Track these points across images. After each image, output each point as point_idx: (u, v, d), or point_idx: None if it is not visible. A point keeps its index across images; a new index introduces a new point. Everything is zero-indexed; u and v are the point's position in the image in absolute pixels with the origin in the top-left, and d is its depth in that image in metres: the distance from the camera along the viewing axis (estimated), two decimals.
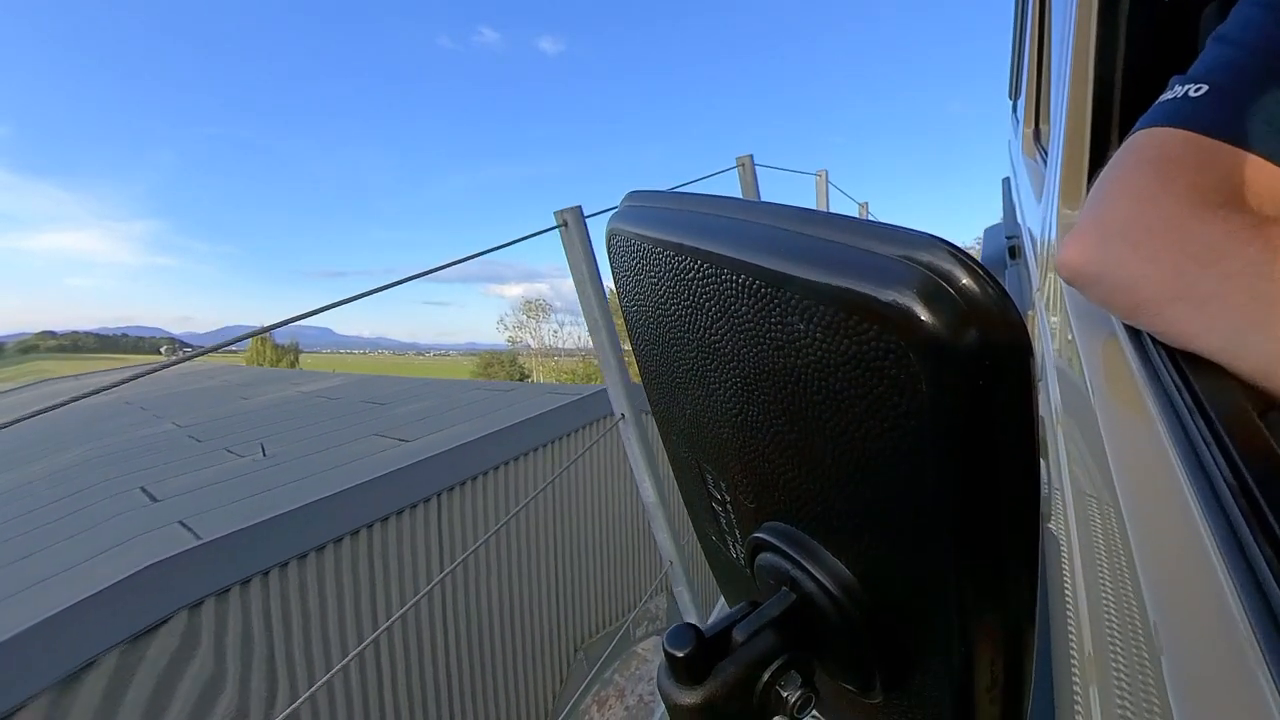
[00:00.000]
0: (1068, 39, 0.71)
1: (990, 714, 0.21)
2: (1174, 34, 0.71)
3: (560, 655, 4.29)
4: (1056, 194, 0.72)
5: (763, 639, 0.23)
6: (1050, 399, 0.57)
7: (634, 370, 0.35)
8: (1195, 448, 0.29)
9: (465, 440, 3.82)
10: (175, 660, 2.41)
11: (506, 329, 40.01)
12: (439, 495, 3.54)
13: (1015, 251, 1.37)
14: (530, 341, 39.62)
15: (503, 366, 38.99)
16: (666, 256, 0.25)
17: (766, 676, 0.22)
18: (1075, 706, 0.31)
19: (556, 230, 1.86)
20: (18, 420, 0.95)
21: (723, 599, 0.40)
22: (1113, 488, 0.33)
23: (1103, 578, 0.32)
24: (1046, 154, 0.93)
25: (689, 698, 0.21)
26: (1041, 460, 0.27)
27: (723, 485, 0.30)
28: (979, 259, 0.15)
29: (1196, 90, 0.43)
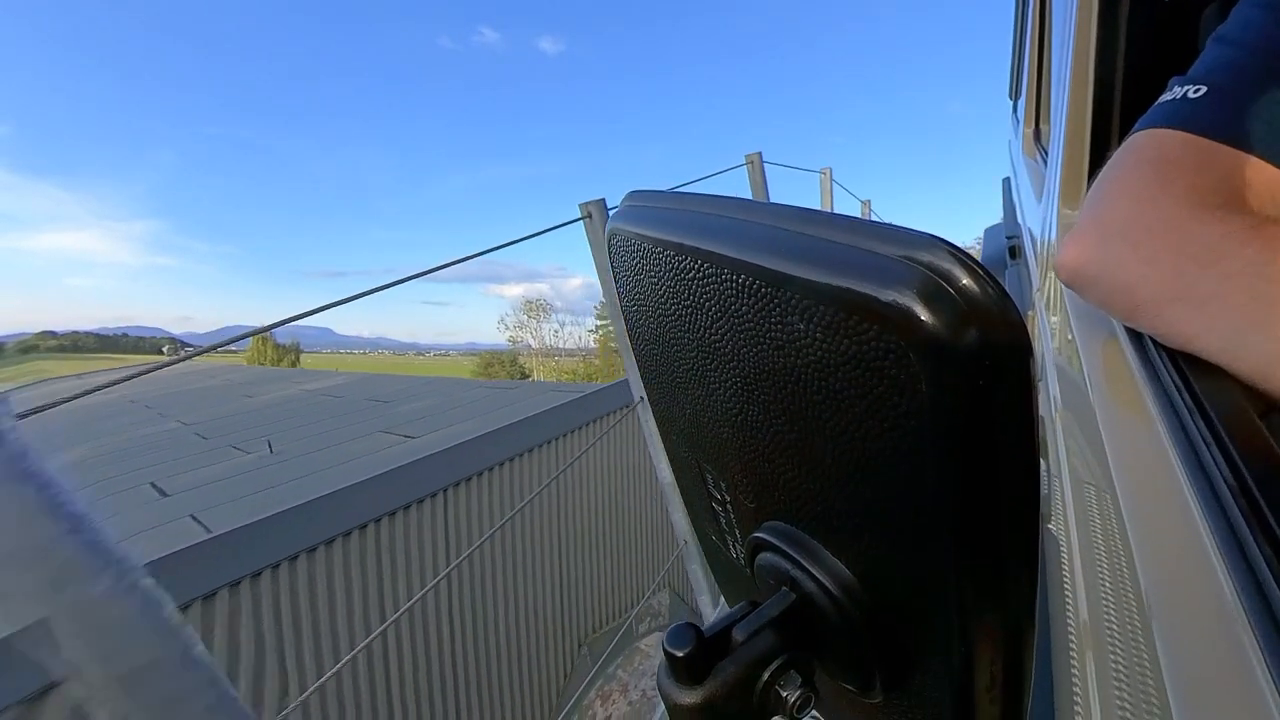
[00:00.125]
0: (1068, 40, 0.71)
1: (990, 714, 0.21)
2: (1174, 34, 0.71)
3: (564, 650, 4.32)
4: (1056, 194, 0.72)
5: (762, 639, 0.23)
6: (1050, 399, 0.57)
7: None
8: (1195, 448, 0.29)
9: (470, 437, 3.85)
10: (207, 641, 2.46)
11: (507, 329, 40.07)
12: (444, 491, 3.57)
13: (1015, 251, 1.37)
14: (531, 341, 39.64)
15: (503, 366, 39.01)
16: (667, 256, 0.25)
17: (766, 676, 0.22)
18: (1075, 706, 0.31)
19: (558, 230, 1.87)
20: (21, 417, 0.95)
21: (723, 598, 0.40)
22: (1113, 488, 0.33)
23: (1103, 578, 0.32)
24: (1047, 154, 0.93)
25: (689, 697, 0.21)
26: (1041, 460, 0.27)
27: (723, 485, 0.30)
28: (979, 259, 0.15)
29: (1196, 91, 0.43)
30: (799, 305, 0.19)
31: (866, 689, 0.24)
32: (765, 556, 0.26)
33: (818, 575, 0.23)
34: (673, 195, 0.27)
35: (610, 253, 0.30)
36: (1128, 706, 0.25)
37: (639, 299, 0.29)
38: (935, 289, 0.15)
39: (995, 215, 2.16)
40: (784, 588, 0.25)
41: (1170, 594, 0.25)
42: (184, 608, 2.44)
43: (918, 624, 0.21)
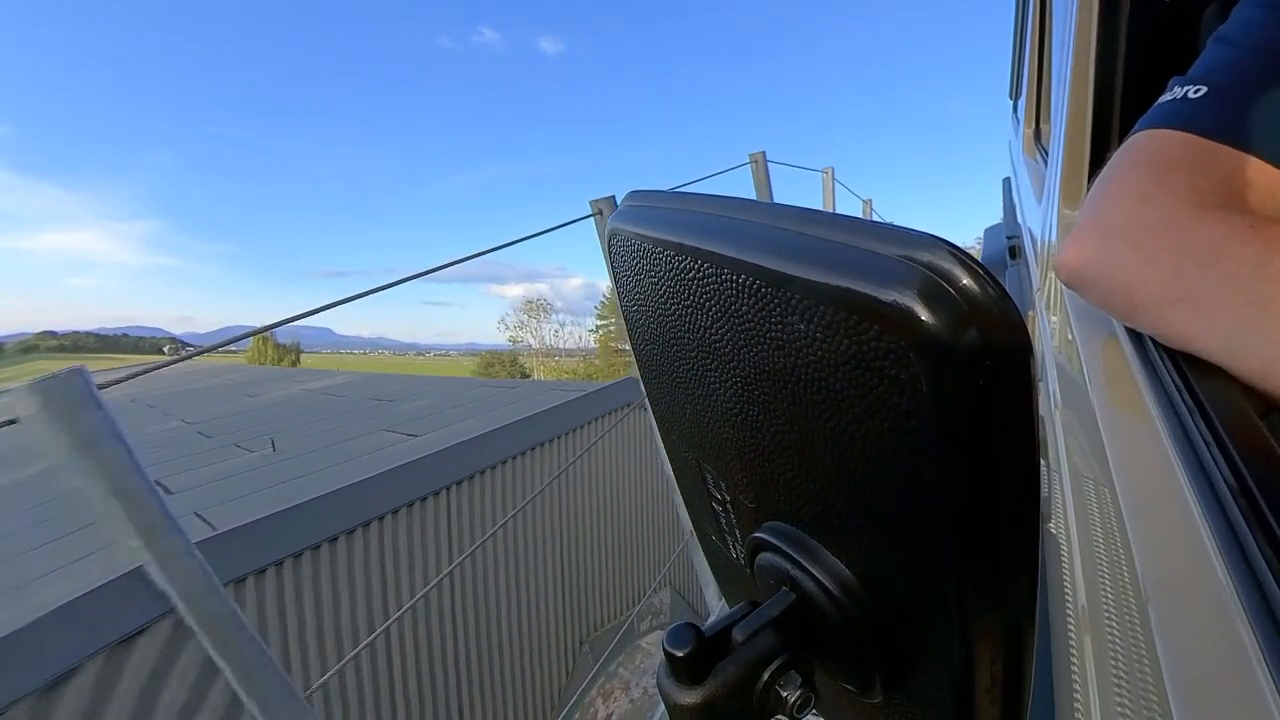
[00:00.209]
0: (1068, 39, 0.71)
1: (990, 714, 0.21)
2: (1174, 34, 0.71)
3: (566, 648, 4.35)
4: (1057, 194, 0.72)
5: (762, 639, 0.23)
6: (1050, 399, 0.57)
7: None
8: (1195, 448, 0.29)
9: (473, 434, 3.86)
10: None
11: (507, 329, 40.10)
12: (447, 489, 3.59)
13: (1015, 252, 1.37)
14: (531, 341, 39.67)
15: (503, 366, 39.03)
16: (667, 256, 0.25)
17: (766, 676, 0.22)
18: (1075, 707, 0.31)
19: (558, 230, 1.87)
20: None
21: (723, 599, 0.40)
22: (1113, 488, 0.33)
23: (1103, 578, 0.32)
24: (1047, 154, 0.93)
25: (689, 697, 0.21)
26: (1042, 460, 0.27)
27: (723, 485, 0.30)
28: (979, 259, 0.15)
29: (1196, 91, 0.43)
30: (799, 305, 0.19)
31: (866, 689, 0.24)
32: (765, 556, 0.26)
33: (818, 575, 0.23)
34: (673, 195, 0.27)
35: (610, 253, 0.30)
36: (1128, 707, 0.25)
37: (639, 299, 0.29)
38: (935, 289, 0.15)
39: (995, 215, 2.16)
40: (784, 588, 0.25)
41: (1170, 594, 0.25)
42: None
43: (918, 624, 0.21)
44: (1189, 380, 0.34)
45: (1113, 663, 0.27)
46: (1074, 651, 0.33)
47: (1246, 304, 0.33)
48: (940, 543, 0.18)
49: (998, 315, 0.16)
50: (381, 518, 3.23)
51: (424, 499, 3.45)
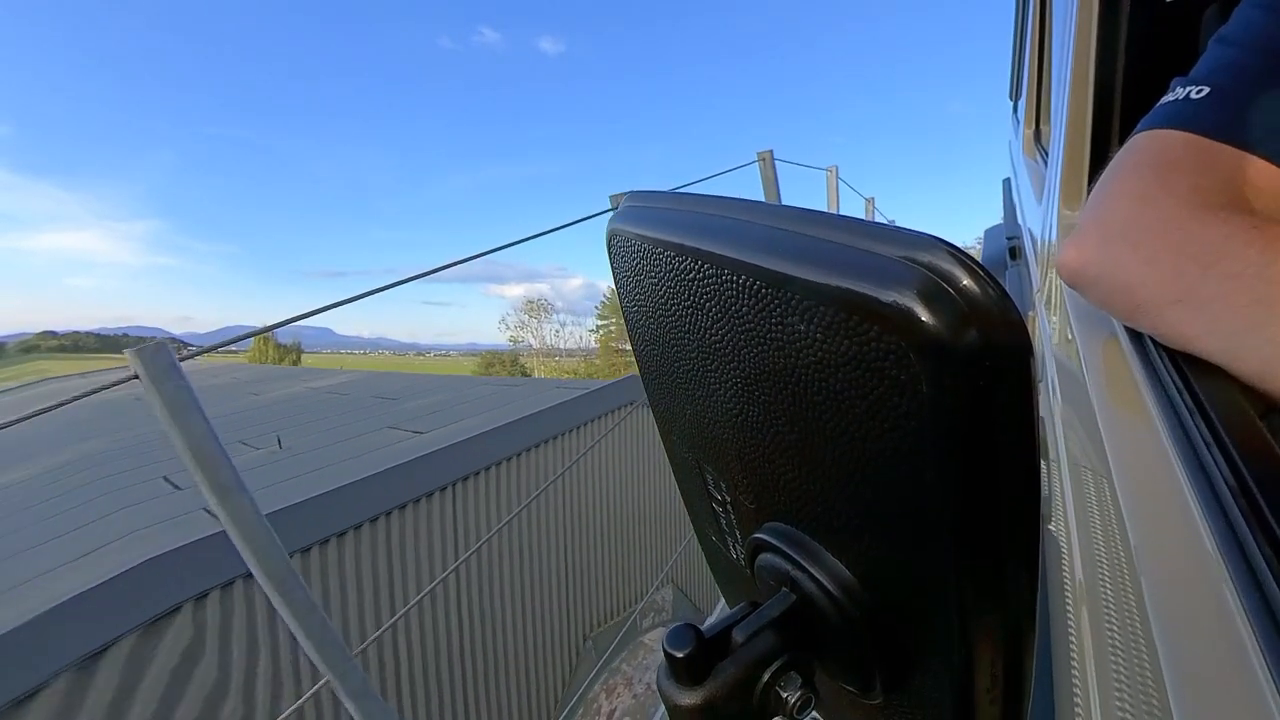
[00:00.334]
0: (1068, 40, 0.71)
1: (990, 714, 0.21)
2: (1175, 35, 0.71)
3: (570, 644, 4.37)
4: (1057, 195, 0.72)
5: (763, 639, 0.23)
6: (1050, 400, 0.57)
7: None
8: (1196, 449, 0.29)
9: (480, 431, 3.87)
10: (222, 629, 2.56)
11: (508, 329, 40.14)
12: (453, 485, 3.62)
13: (1016, 252, 1.37)
14: (532, 341, 39.69)
15: (504, 366, 39.05)
16: (667, 257, 0.25)
17: (766, 677, 0.22)
18: (1075, 707, 0.31)
19: (562, 230, 1.88)
20: (34, 414, 0.98)
21: (723, 599, 0.40)
22: (1113, 488, 0.33)
23: (1103, 579, 0.32)
24: (1047, 155, 0.93)
25: (689, 698, 0.21)
26: (1042, 461, 0.27)
27: (723, 486, 0.30)
28: (979, 260, 0.15)
29: (1198, 92, 0.43)
30: (799, 306, 0.19)
31: (867, 690, 0.24)
32: (765, 557, 0.26)
33: (818, 576, 0.23)
34: (672, 195, 0.27)
35: (610, 253, 0.30)
36: (1128, 707, 0.25)
37: (639, 300, 0.29)
38: (936, 289, 0.15)
39: (995, 216, 2.16)
40: (784, 588, 0.25)
41: (1171, 594, 0.25)
42: (202, 596, 2.51)
43: (918, 625, 0.21)
44: (1189, 381, 0.34)
45: (1113, 663, 0.27)
46: (1074, 651, 0.33)
47: (1248, 304, 0.33)
48: (940, 543, 0.18)
49: (998, 316, 0.16)
50: (388, 513, 3.25)
51: (430, 495, 3.48)
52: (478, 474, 3.77)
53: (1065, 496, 0.43)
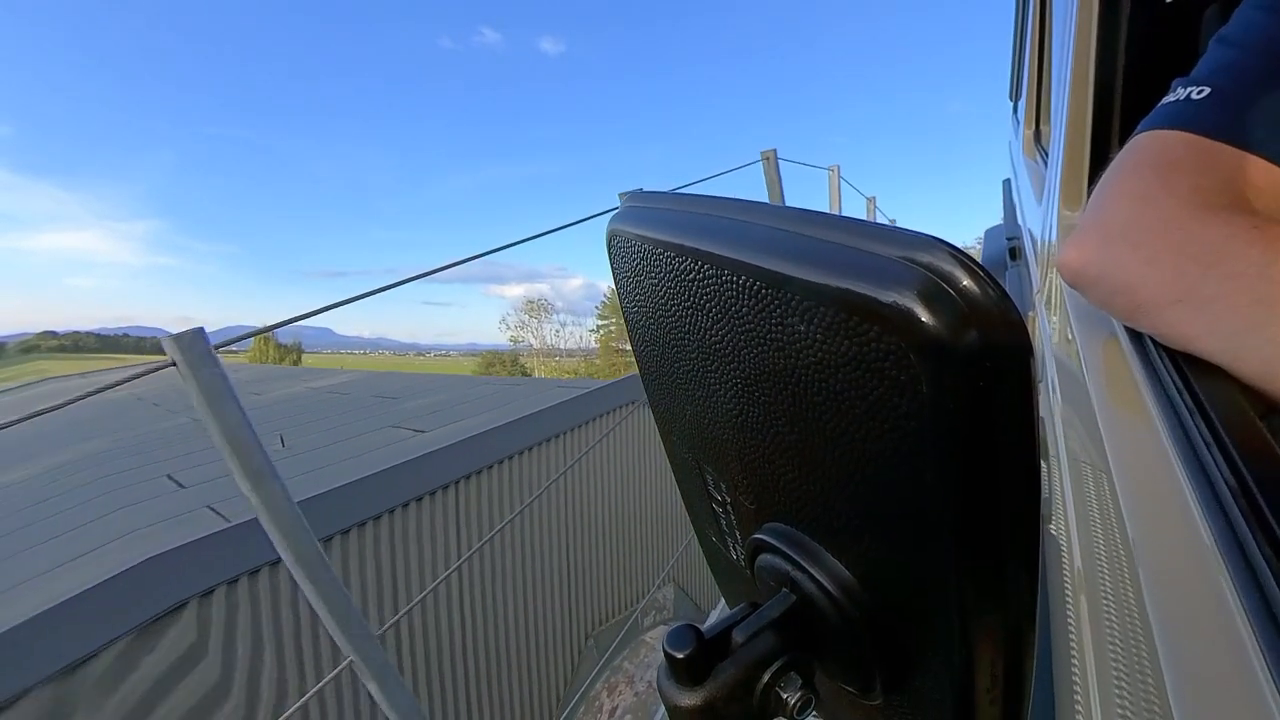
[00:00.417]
0: (1068, 40, 0.71)
1: (990, 715, 0.21)
2: (1175, 36, 0.71)
3: (571, 642, 4.38)
4: (1057, 195, 0.72)
5: (763, 640, 0.23)
6: (1051, 400, 0.57)
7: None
8: (1196, 450, 0.29)
9: (482, 430, 3.88)
10: (227, 627, 2.58)
11: (509, 328, 40.15)
12: (456, 484, 3.62)
13: (1016, 253, 1.37)
14: (532, 341, 39.70)
15: (504, 366, 39.05)
16: (667, 258, 0.25)
17: (766, 678, 0.22)
18: (1075, 707, 0.31)
19: (562, 230, 1.88)
20: (40, 413, 0.99)
21: (723, 599, 0.40)
22: (1113, 489, 0.33)
23: (1103, 579, 0.32)
24: (1047, 155, 0.93)
25: (689, 699, 0.21)
26: (1042, 461, 0.27)
27: (723, 486, 0.30)
28: (979, 260, 0.15)
29: (1199, 92, 0.43)
30: (799, 306, 0.19)
31: (867, 690, 0.24)
32: (765, 558, 0.26)
33: (818, 577, 0.23)
34: (672, 196, 0.27)
35: (610, 254, 0.30)
36: (1128, 708, 0.25)
37: (639, 300, 0.29)
38: (936, 290, 0.15)
39: (995, 216, 2.16)
40: (784, 589, 0.24)
41: (1171, 595, 0.25)
42: (208, 593, 2.53)
43: (918, 625, 0.21)
44: (1189, 381, 0.34)
45: (1113, 664, 0.27)
46: (1074, 652, 0.33)
47: (1249, 304, 0.33)
48: (941, 543, 0.18)
49: (998, 316, 0.16)
50: (390, 511, 3.26)
51: (432, 493, 3.49)
52: (479, 472, 3.78)
53: (1065, 497, 0.43)
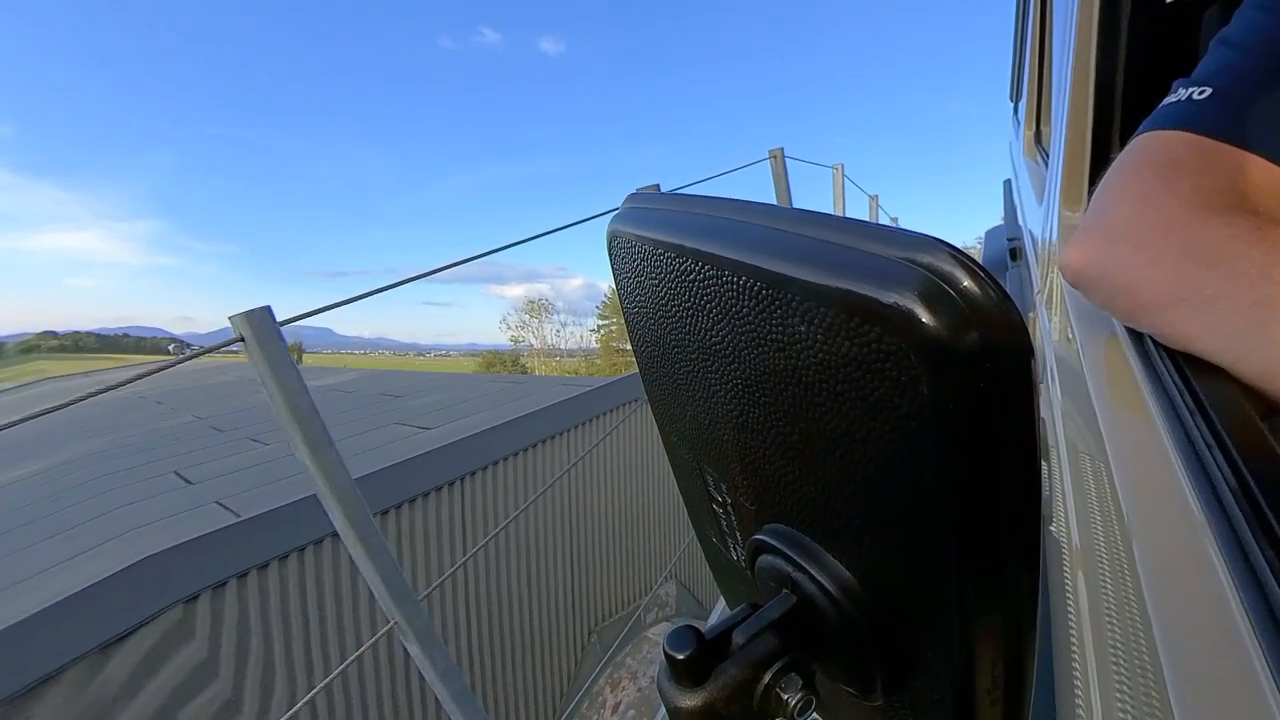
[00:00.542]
0: (1069, 41, 0.71)
1: (991, 715, 0.21)
2: (1175, 36, 0.71)
3: (575, 638, 4.39)
4: (1058, 196, 0.72)
5: (763, 641, 0.23)
6: (1051, 401, 0.57)
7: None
8: (1197, 450, 0.29)
9: (488, 426, 3.89)
10: (240, 619, 2.61)
11: (509, 328, 40.17)
12: (461, 480, 3.63)
13: (1016, 253, 1.37)
14: (533, 341, 39.73)
15: (505, 366, 39.06)
16: (667, 258, 0.25)
17: (767, 679, 0.22)
18: (1076, 708, 0.31)
19: (563, 230, 1.88)
20: (42, 413, 1.00)
21: (723, 600, 0.40)
22: (1114, 490, 0.33)
23: (1104, 580, 0.32)
24: (1048, 156, 0.93)
25: (689, 700, 0.21)
26: (1042, 462, 0.27)
27: (723, 487, 0.30)
28: (980, 261, 0.15)
29: (1200, 93, 0.43)
30: (800, 307, 0.19)
31: (867, 691, 0.24)
32: (766, 559, 0.26)
33: (819, 578, 0.23)
34: (673, 197, 0.27)
35: (610, 254, 0.30)
36: (1129, 708, 0.25)
37: (640, 301, 0.29)
38: (936, 291, 0.15)
39: (996, 217, 2.16)
40: (785, 590, 0.24)
41: (1172, 596, 0.25)
42: (220, 585, 2.54)
43: (919, 626, 0.21)
44: (1191, 382, 0.34)
45: (1114, 665, 0.27)
46: (1075, 653, 0.33)
47: (1251, 305, 0.33)
48: (941, 544, 0.18)
49: (999, 317, 0.16)
50: (397, 507, 3.27)
51: (439, 489, 3.50)
52: (485, 469, 3.80)
53: (1066, 497, 0.43)
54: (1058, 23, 0.84)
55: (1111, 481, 0.34)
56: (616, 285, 0.31)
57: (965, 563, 0.18)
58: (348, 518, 1.33)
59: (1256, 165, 0.39)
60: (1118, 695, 0.26)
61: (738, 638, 0.23)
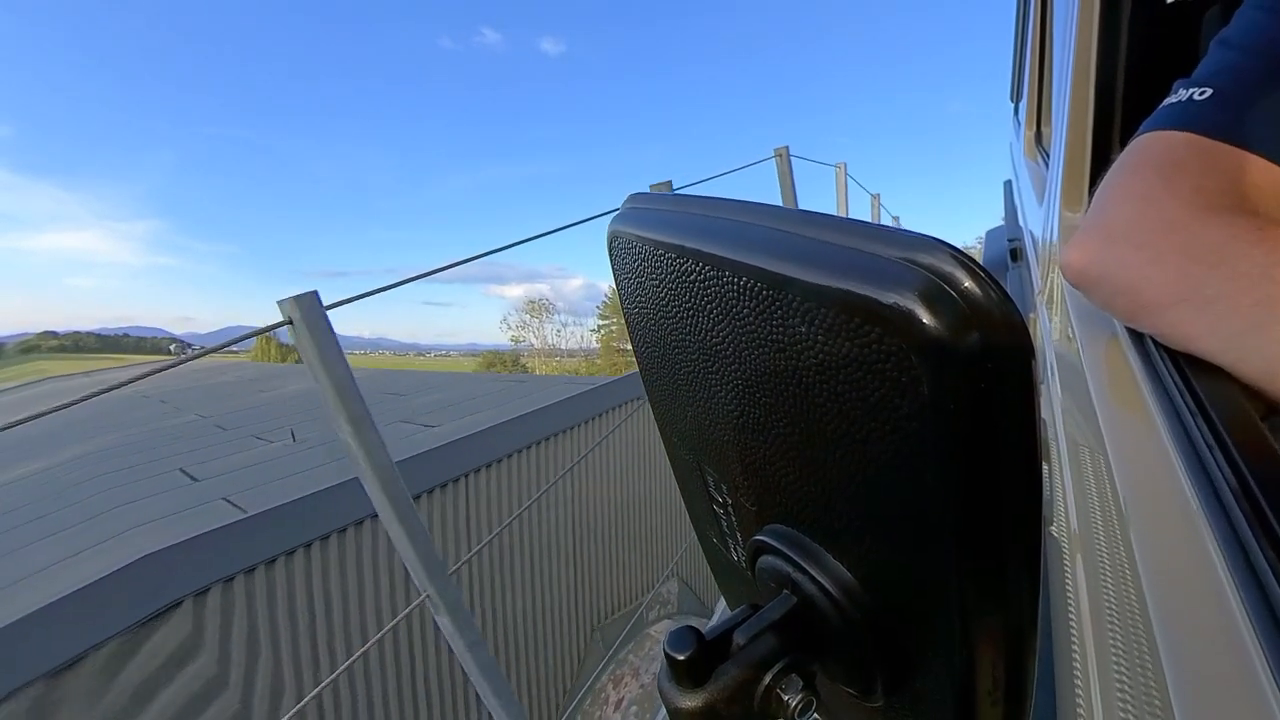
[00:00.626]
0: (1069, 41, 0.71)
1: (992, 716, 0.21)
2: (1176, 36, 0.71)
3: (578, 635, 4.41)
4: (1058, 196, 0.72)
5: (763, 642, 0.22)
6: (1052, 401, 0.57)
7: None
8: (1197, 451, 0.29)
9: (492, 424, 3.91)
10: (250, 611, 2.63)
11: (510, 328, 40.19)
12: (465, 476, 3.65)
13: (1017, 254, 1.37)
14: (534, 341, 39.74)
15: (505, 366, 39.07)
16: (668, 259, 0.25)
17: (767, 680, 0.22)
18: (1077, 708, 0.31)
19: (565, 229, 1.88)
20: (48, 412, 1.01)
21: (724, 601, 0.40)
22: (1115, 490, 0.33)
23: (1105, 581, 0.32)
24: (1048, 156, 0.93)
25: (689, 701, 0.21)
26: (1043, 463, 0.27)
27: (724, 488, 0.30)
28: (980, 261, 0.15)
29: (1201, 93, 0.43)
30: (800, 307, 0.19)
31: (868, 692, 0.24)
32: (766, 559, 0.26)
33: (819, 578, 0.23)
34: (673, 197, 0.27)
35: (611, 255, 0.30)
36: (1130, 709, 0.25)
37: (640, 301, 0.29)
38: (937, 291, 0.15)
39: (996, 217, 2.16)
40: (785, 591, 0.24)
41: (1172, 597, 0.25)
42: (228, 580, 2.55)
43: (919, 627, 0.21)
44: (1191, 382, 0.34)
45: (1115, 665, 0.27)
46: (1076, 654, 0.33)
47: (1252, 305, 0.33)
48: (942, 545, 0.18)
49: (999, 318, 0.15)
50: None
51: (443, 485, 3.53)
52: (488, 466, 3.82)
53: (1067, 499, 0.43)
54: (1058, 23, 0.84)
55: (1112, 482, 0.34)
56: (617, 285, 0.31)
57: (966, 564, 0.18)
58: (386, 495, 1.39)
59: (1257, 166, 0.39)
60: (1118, 695, 0.26)
61: (738, 638, 0.23)
